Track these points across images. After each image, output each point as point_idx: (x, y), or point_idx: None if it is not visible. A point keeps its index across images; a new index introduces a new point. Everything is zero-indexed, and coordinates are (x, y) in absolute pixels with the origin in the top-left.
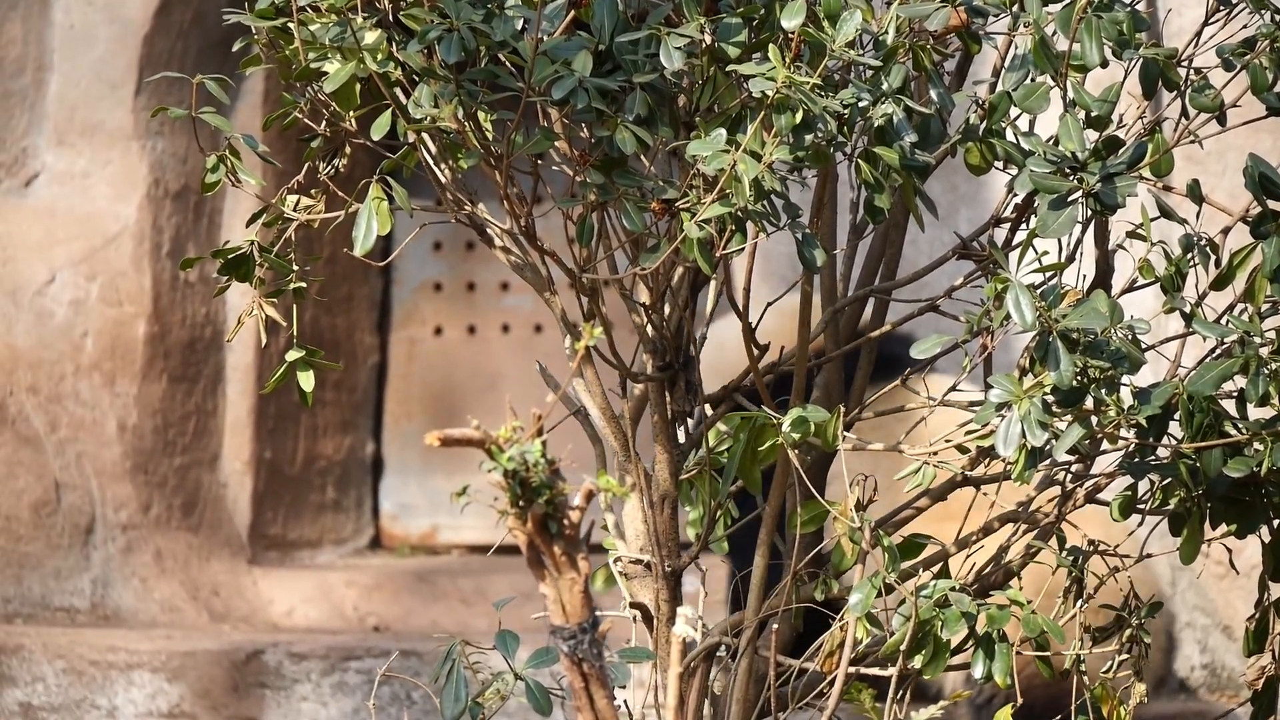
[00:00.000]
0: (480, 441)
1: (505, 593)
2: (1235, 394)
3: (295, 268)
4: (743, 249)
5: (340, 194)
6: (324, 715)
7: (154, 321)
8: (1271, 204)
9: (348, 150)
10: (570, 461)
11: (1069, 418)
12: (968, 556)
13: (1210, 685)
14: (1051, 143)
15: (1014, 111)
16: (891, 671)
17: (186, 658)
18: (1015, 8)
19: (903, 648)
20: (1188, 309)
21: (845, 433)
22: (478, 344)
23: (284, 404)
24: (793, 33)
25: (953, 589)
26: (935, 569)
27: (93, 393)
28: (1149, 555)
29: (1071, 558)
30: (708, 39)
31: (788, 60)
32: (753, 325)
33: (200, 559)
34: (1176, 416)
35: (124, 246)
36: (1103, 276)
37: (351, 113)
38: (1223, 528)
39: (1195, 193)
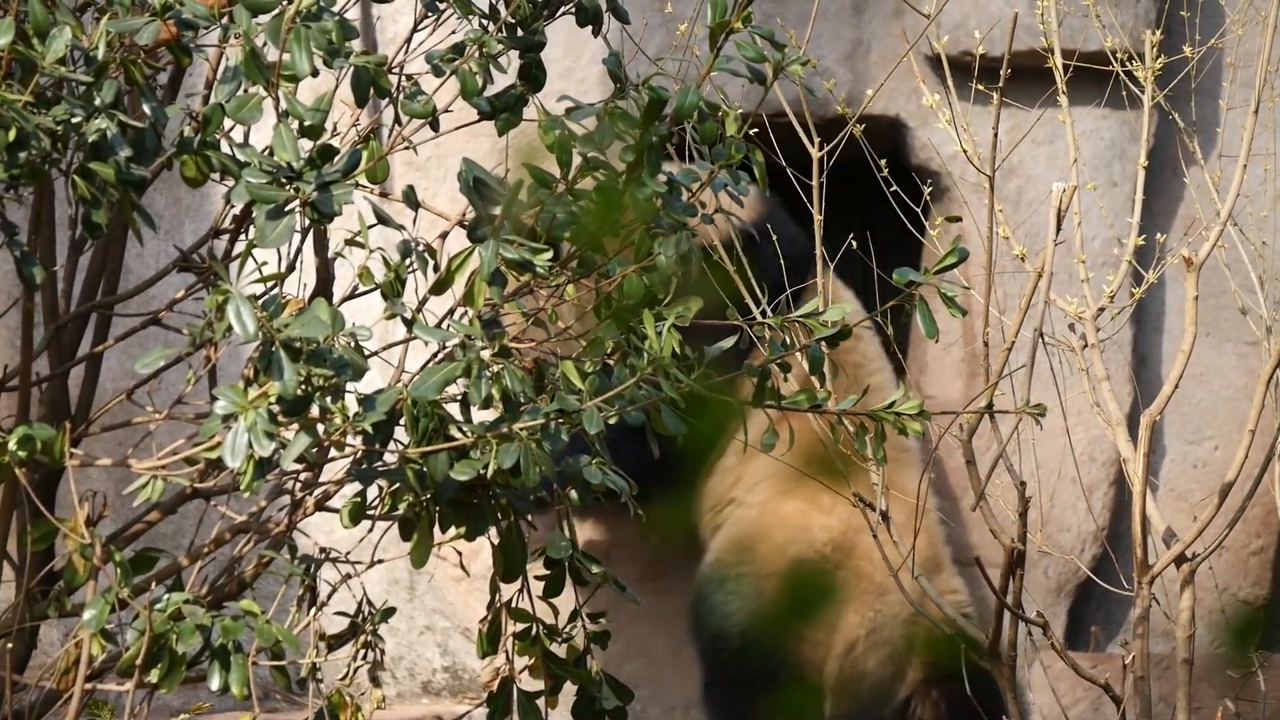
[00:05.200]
0: None
1: None
2: (460, 397)
3: None
4: None
5: None
6: None
7: None
8: (487, 207)
9: None
10: None
11: (295, 426)
12: (200, 568)
13: (453, 688)
14: (267, 153)
15: (228, 123)
16: (129, 686)
17: None
18: (225, 19)
19: (138, 662)
20: (409, 314)
21: (73, 449)
22: None
23: None
24: (1, 50)
25: (186, 601)
26: (169, 582)
27: None
28: (380, 560)
29: (304, 566)
30: None
31: None
32: None
33: None
34: (402, 422)
35: None
36: (324, 285)
37: None
38: (453, 530)
39: (411, 199)
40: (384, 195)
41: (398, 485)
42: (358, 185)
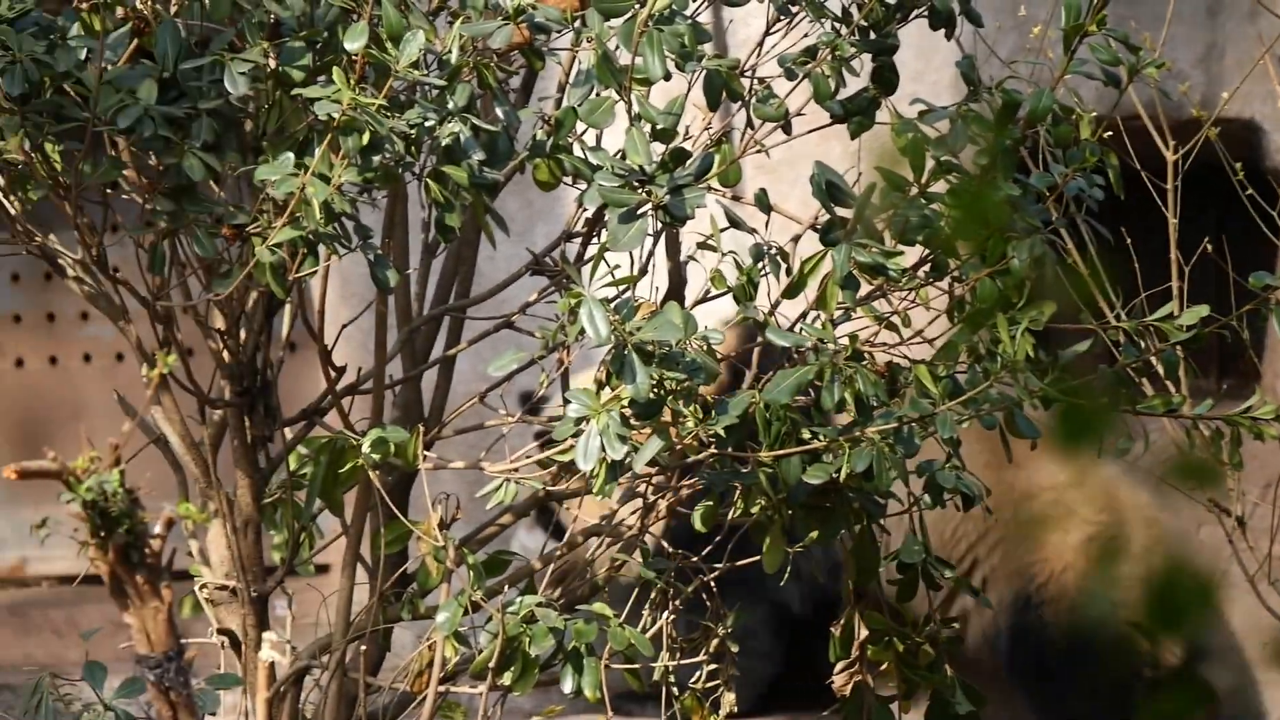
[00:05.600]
0: (58, 473)
1: (98, 623)
2: (811, 400)
3: None
4: (315, 271)
5: None
6: None
7: None
8: (839, 211)
9: None
10: (151, 489)
11: (648, 430)
12: (553, 571)
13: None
14: (619, 156)
15: (580, 126)
16: (482, 689)
17: None
18: (577, 23)
19: (491, 665)
20: (761, 318)
21: (426, 452)
22: (60, 374)
23: None
24: (356, 54)
25: (539, 604)
26: (521, 585)
27: None
28: (733, 564)
29: (656, 569)
30: (271, 63)
31: (352, 82)
32: (329, 347)
33: None
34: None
35: None
36: (676, 288)
37: None
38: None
39: (763, 202)
40: (735, 198)
41: (750, 489)
42: (710, 189)
